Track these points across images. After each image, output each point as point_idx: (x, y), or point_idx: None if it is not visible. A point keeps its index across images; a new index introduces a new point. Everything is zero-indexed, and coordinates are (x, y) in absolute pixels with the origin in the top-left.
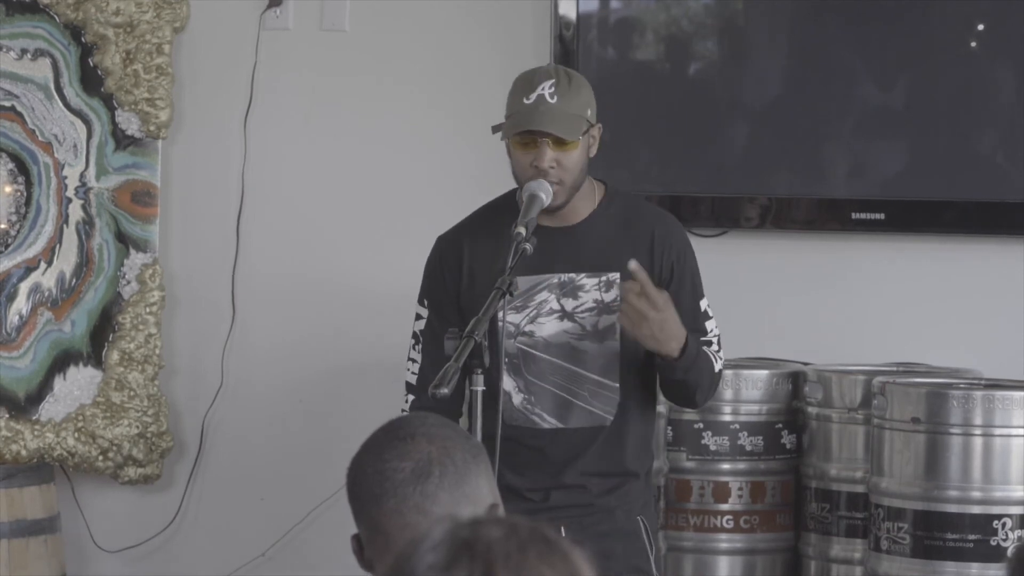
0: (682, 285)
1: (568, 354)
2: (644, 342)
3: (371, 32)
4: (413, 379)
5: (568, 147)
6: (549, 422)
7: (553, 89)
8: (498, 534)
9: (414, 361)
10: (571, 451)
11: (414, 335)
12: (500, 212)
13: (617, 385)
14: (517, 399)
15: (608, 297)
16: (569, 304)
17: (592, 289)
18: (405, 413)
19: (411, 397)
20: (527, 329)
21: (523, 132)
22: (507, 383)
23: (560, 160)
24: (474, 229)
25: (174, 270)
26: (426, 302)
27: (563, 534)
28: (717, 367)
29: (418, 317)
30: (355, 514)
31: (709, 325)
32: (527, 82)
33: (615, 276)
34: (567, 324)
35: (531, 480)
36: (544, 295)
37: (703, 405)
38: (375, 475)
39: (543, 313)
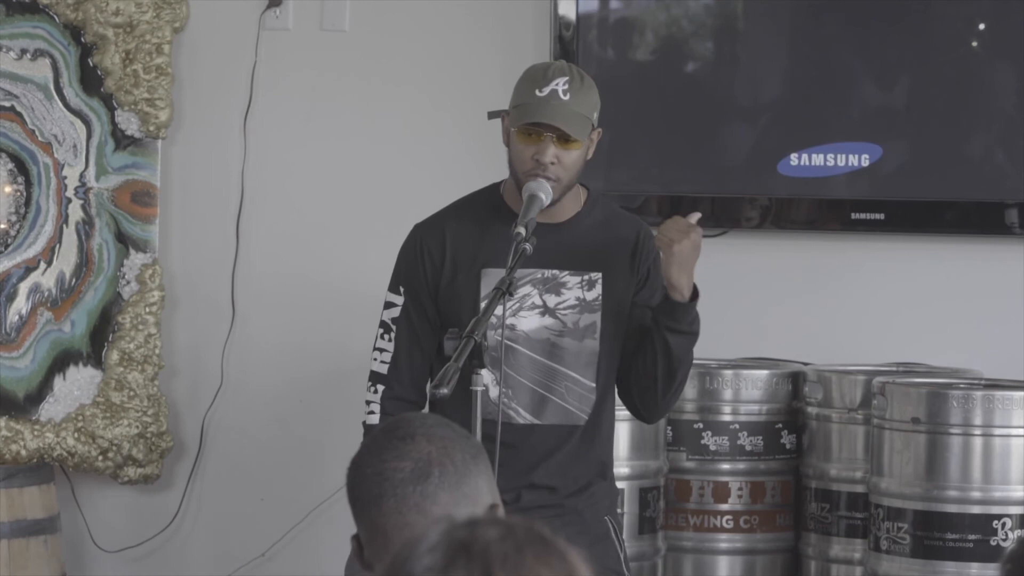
0: (655, 288)
1: (547, 350)
2: (672, 263)
3: (371, 32)
4: (383, 368)
5: (571, 146)
6: (524, 417)
7: (567, 86)
8: (495, 535)
9: (383, 350)
10: (544, 449)
11: (383, 323)
12: (481, 204)
13: (594, 384)
14: (494, 392)
15: (590, 296)
16: (551, 300)
17: (575, 287)
18: (373, 404)
19: (381, 387)
20: (508, 322)
21: (531, 124)
22: (485, 376)
23: (561, 157)
24: (456, 218)
25: (174, 270)
26: (402, 289)
27: None
28: (692, 361)
29: (389, 305)
30: (355, 514)
31: None
32: (540, 74)
33: (597, 276)
34: (548, 320)
35: (503, 479)
36: (527, 289)
37: (666, 407)
38: (374, 475)
39: (525, 307)
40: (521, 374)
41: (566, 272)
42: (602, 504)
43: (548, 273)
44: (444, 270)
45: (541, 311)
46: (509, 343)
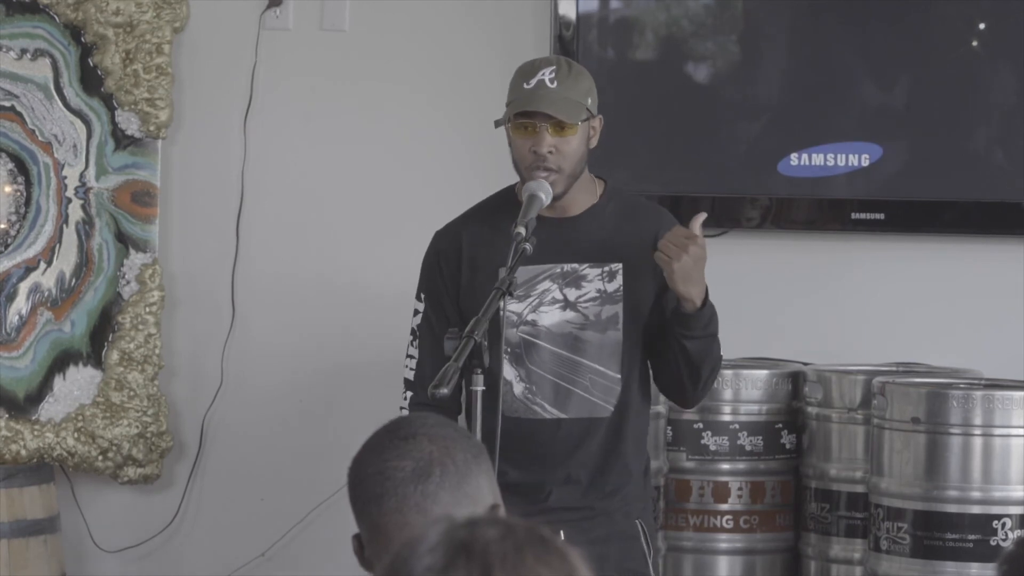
0: None
1: (570, 344)
2: (676, 280)
3: (371, 32)
4: (411, 375)
5: (567, 132)
6: (550, 412)
7: (553, 75)
8: (495, 535)
9: (412, 357)
10: (571, 442)
11: (412, 331)
12: (498, 207)
13: (619, 376)
14: (518, 389)
15: (611, 287)
16: (572, 294)
17: (595, 279)
18: (404, 410)
19: (410, 394)
20: (529, 318)
21: (522, 115)
22: (508, 373)
23: (559, 146)
24: (473, 224)
25: (174, 270)
26: (423, 296)
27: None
28: (721, 352)
29: (415, 312)
30: (356, 514)
31: None
32: (528, 69)
33: (618, 267)
34: (569, 314)
35: (532, 474)
36: (546, 284)
37: (700, 396)
38: (376, 475)
39: (545, 302)
40: (544, 369)
41: (585, 265)
42: (634, 507)
43: (567, 267)
44: (462, 274)
45: (562, 305)
46: (531, 339)
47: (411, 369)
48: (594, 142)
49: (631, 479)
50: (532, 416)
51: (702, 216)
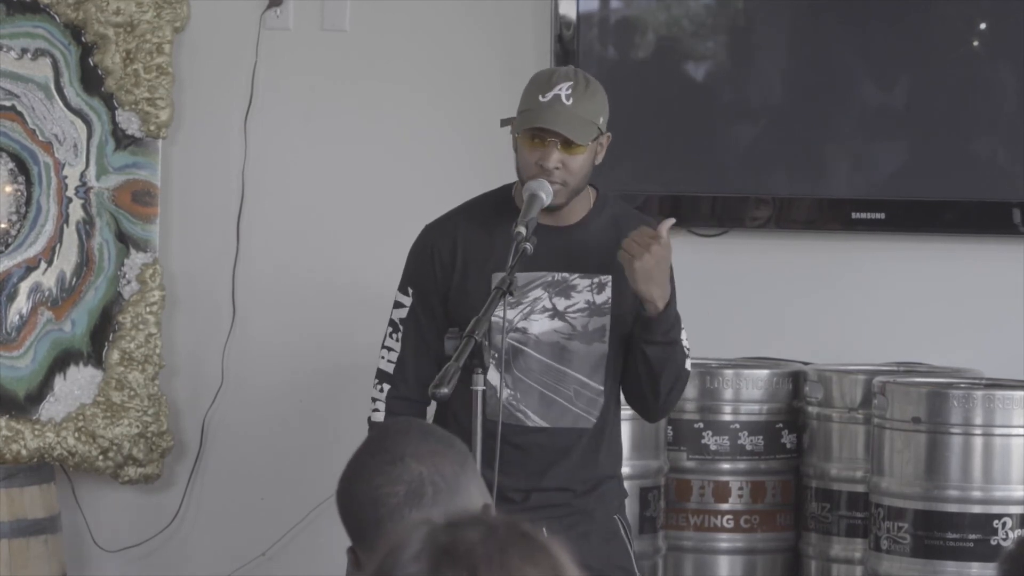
0: None
1: (556, 353)
2: (637, 279)
3: (371, 32)
4: (390, 368)
5: (575, 151)
6: (533, 420)
7: (570, 91)
8: (477, 537)
9: (390, 349)
10: (554, 454)
11: (392, 323)
12: (493, 205)
13: (602, 388)
14: (503, 395)
15: (599, 299)
16: (561, 303)
17: (584, 290)
18: (378, 401)
19: (386, 386)
20: (519, 326)
21: (534, 129)
22: (494, 378)
23: (566, 162)
24: (467, 220)
25: (174, 270)
26: (410, 290)
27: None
28: (687, 364)
29: (398, 305)
30: (351, 536)
31: (682, 334)
32: (545, 80)
33: (607, 279)
34: (558, 323)
35: (514, 479)
36: (538, 292)
37: (663, 410)
38: (369, 503)
39: (536, 311)
40: (530, 377)
41: (576, 275)
42: (612, 504)
43: (558, 276)
44: (455, 272)
45: (551, 314)
46: (519, 346)
47: (390, 362)
48: (599, 158)
49: (608, 480)
50: (514, 422)
51: (670, 221)
